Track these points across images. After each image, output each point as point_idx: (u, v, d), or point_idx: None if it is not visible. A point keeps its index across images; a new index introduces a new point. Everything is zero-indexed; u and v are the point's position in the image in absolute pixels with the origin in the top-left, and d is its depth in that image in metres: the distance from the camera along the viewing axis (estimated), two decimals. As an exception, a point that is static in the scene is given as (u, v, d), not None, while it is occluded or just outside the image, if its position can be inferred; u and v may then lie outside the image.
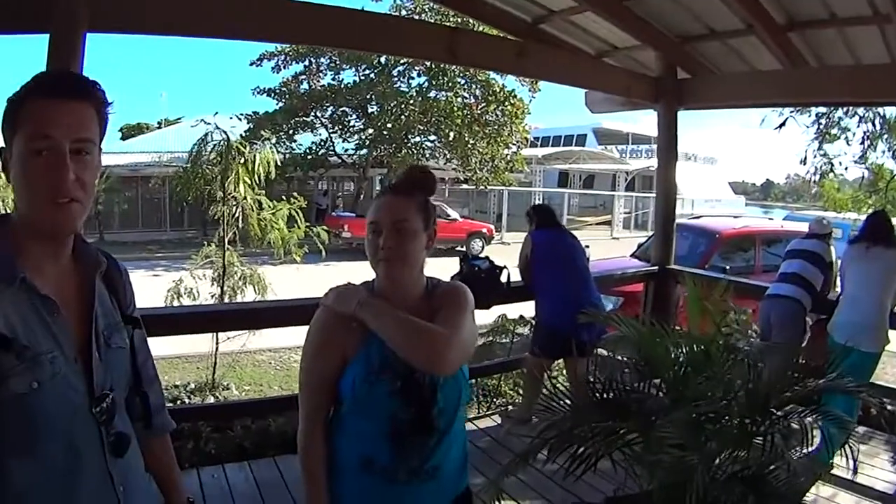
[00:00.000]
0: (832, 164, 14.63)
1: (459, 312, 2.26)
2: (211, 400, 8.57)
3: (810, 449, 3.07)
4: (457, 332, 2.17)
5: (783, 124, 13.30)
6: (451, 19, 19.66)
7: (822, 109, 13.32)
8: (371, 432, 2.19)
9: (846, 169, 15.13)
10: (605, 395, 3.17)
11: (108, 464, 1.70)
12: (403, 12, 26.20)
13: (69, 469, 1.61)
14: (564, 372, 6.27)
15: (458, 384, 2.27)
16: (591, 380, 3.26)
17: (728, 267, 10.24)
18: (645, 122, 43.41)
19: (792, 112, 13.09)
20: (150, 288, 9.01)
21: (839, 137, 14.01)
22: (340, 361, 2.21)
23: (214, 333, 8.76)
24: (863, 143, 13.85)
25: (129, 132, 48.15)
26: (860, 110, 12.90)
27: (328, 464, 2.26)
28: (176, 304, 9.19)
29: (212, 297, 9.58)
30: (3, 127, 1.64)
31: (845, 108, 12.88)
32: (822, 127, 13.89)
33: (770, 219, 22.77)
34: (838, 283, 6.27)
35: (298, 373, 2.35)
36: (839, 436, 3.05)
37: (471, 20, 12.21)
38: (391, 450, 2.18)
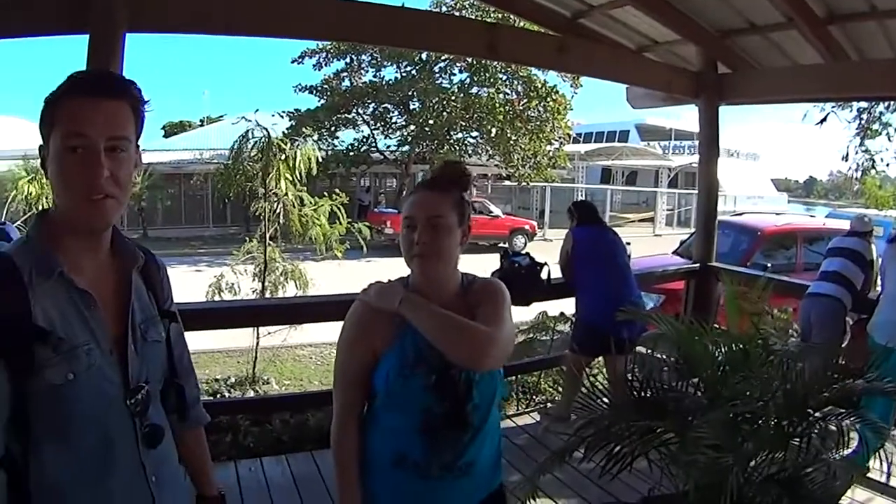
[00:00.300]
0: (874, 161, 14.41)
1: (499, 309, 2.26)
2: (251, 394, 8.65)
3: (848, 451, 3.01)
4: (499, 329, 2.16)
5: (824, 119, 13.11)
6: (492, 15, 19.62)
7: (864, 104, 13.10)
8: (404, 427, 2.20)
9: (888, 165, 14.90)
10: (642, 394, 3.15)
11: (141, 455, 1.73)
12: (444, 9, 26.18)
13: (103, 459, 1.65)
14: (605, 370, 6.23)
15: (494, 380, 2.27)
16: (630, 378, 3.24)
17: (769, 265, 10.12)
18: (688, 117, 43.07)
19: (833, 107, 12.90)
20: (192, 283, 9.14)
21: (881, 133, 13.78)
22: (374, 355, 2.21)
23: (255, 328, 8.83)
24: (905, 138, 13.61)
25: (171, 130, 48.74)
26: (903, 105, 12.63)
27: (361, 458, 2.27)
28: (217, 298, 9.27)
29: (253, 292, 9.67)
30: (40, 125, 1.66)
31: (887, 103, 12.63)
32: (863, 122, 13.66)
33: (812, 216, 22.45)
34: (879, 281, 6.15)
35: (333, 367, 2.36)
36: (875, 439, 2.99)
37: (511, 16, 12.15)
38: (424, 445, 2.18)
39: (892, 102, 12.37)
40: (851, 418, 2.89)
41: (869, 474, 4.43)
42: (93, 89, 1.64)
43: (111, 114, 1.64)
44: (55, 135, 1.61)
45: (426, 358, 2.15)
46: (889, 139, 13.77)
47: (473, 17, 22.18)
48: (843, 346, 5.76)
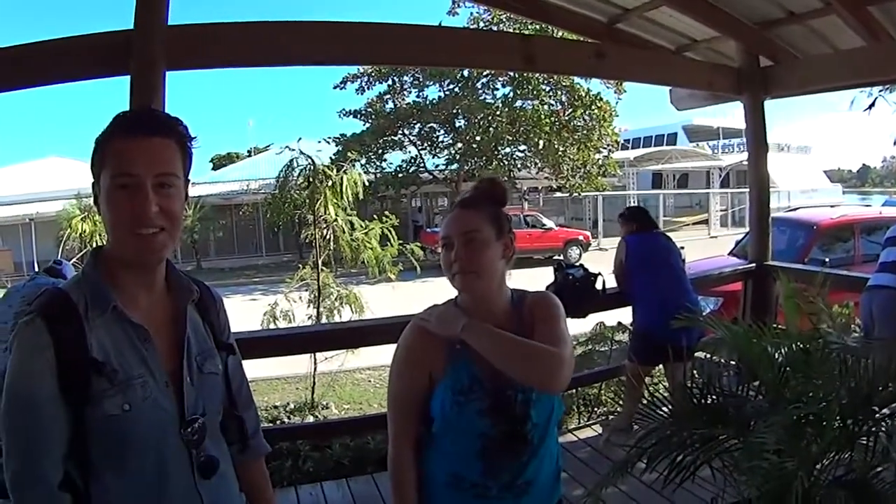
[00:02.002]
0: (927, 142, 14.07)
1: (559, 326, 2.25)
2: (311, 419, 8.69)
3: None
4: (565, 347, 2.16)
5: (872, 105, 12.82)
6: (530, 27, 19.61)
7: (913, 85, 12.80)
8: (463, 451, 2.19)
9: (942, 146, 14.58)
10: (703, 401, 3.08)
11: (196, 484, 1.78)
12: (481, 24, 26.22)
13: (159, 487, 1.71)
14: (665, 378, 6.15)
15: (551, 398, 2.25)
16: (689, 385, 3.18)
17: (827, 259, 9.94)
18: (735, 115, 42.66)
19: (881, 91, 12.62)
20: (247, 312, 9.23)
21: None
22: (427, 380, 2.21)
23: (312, 354, 8.88)
24: (957, 117, 13.30)
25: (220, 162, 49.83)
26: (953, 82, 12.29)
27: (419, 480, 2.27)
28: (272, 326, 9.35)
29: (308, 318, 9.73)
30: (92, 165, 1.73)
31: (937, 82, 12.32)
32: (913, 104, 13.36)
33: (868, 206, 22.02)
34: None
35: (387, 392, 2.36)
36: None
37: (548, 27, 12.13)
38: (482, 467, 2.17)
39: (942, 80, 12.07)
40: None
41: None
42: (138, 128, 1.71)
43: (157, 151, 1.70)
44: (105, 174, 1.68)
45: (480, 382, 2.15)
46: None
47: (511, 30, 22.19)
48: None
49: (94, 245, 12.86)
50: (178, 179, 1.74)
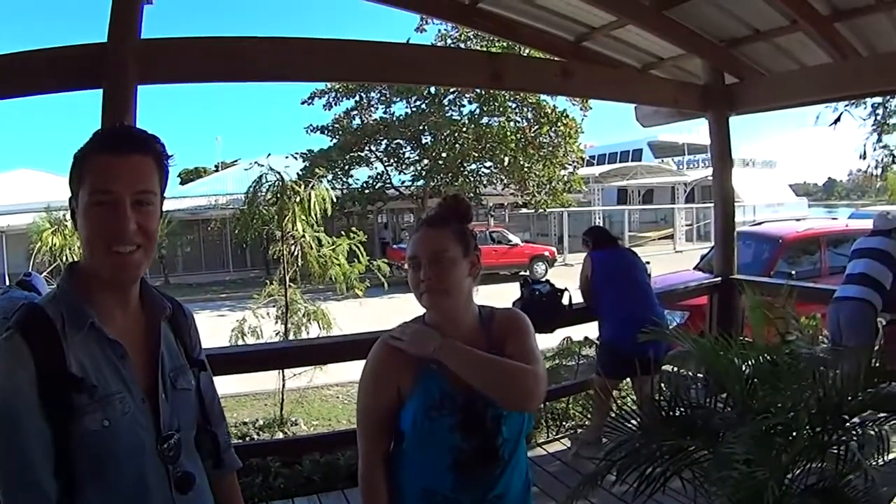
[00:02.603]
0: (894, 156, 14.33)
1: (529, 342, 2.29)
2: (280, 435, 8.65)
3: (891, 456, 2.95)
4: (539, 364, 2.20)
5: (838, 119, 13.06)
6: (497, 45, 19.72)
7: (878, 99, 13.02)
8: (434, 465, 2.19)
9: (909, 159, 14.80)
10: (671, 413, 3.11)
11: (175, 500, 1.77)
12: (449, 41, 26.31)
13: (139, 502, 1.71)
14: (633, 391, 6.19)
15: (522, 413, 2.26)
16: (657, 397, 3.21)
17: (794, 272, 10.07)
18: (700, 131, 43.04)
19: (846, 106, 12.83)
20: (216, 328, 9.17)
21: None
22: (396, 396, 2.22)
23: (280, 370, 8.85)
24: (925, 129, 13.52)
25: (187, 177, 49.37)
26: (919, 95, 12.51)
27: (391, 496, 2.26)
28: (240, 342, 9.32)
29: (276, 334, 9.71)
30: (70, 180, 1.72)
31: (903, 96, 12.54)
32: (879, 118, 13.60)
33: (834, 218, 22.29)
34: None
35: (356, 406, 2.36)
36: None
37: (516, 44, 12.22)
38: (454, 481, 2.18)
39: (908, 94, 12.27)
40: (892, 422, 2.84)
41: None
42: (118, 145, 1.71)
43: (136, 169, 1.71)
44: (83, 191, 1.68)
45: (451, 398, 2.16)
46: None
47: (478, 48, 22.28)
48: (876, 348, 5.68)
49: (64, 259, 12.80)
50: (156, 197, 1.75)
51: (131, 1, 4.10)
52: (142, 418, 1.70)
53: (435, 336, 2.21)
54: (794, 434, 2.77)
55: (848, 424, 2.79)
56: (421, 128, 29.13)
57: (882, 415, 2.88)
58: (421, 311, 2.35)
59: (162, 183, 1.79)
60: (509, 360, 2.18)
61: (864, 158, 14.33)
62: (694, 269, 12.03)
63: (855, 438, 2.73)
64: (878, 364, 3.04)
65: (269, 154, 11.13)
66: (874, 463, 2.74)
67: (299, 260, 9.96)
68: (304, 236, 9.88)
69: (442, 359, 2.15)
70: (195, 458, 1.91)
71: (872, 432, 2.80)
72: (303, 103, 29.76)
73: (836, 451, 2.70)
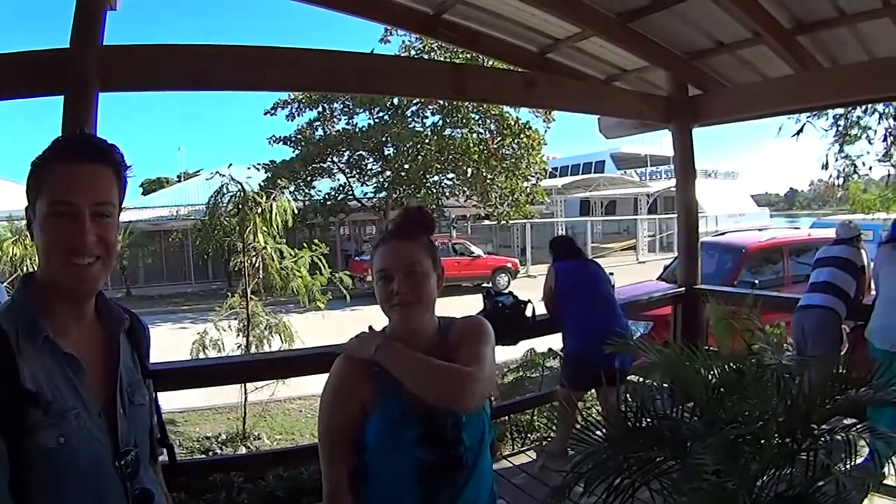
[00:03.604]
0: (855, 166, 14.52)
1: (478, 346, 2.26)
2: (243, 450, 8.59)
3: (860, 460, 2.97)
4: (479, 366, 2.17)
5: (800, 131, 13.21)
6: (461, 56, 19.76)
7: (840, 111, 13.20)
8: (399, 478, 2.17)
9: (870, 169, 15.02)
10: (637, 424, 3.10)
11: None
12: (412, 52, 26.33)
13: None
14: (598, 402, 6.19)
15: (482, 420, 2.26)
16: (623, 408, 3.20)
17: (757, 281, 10.21)
18: (663, 143, 43.46)
19: (808, 117, 12.99)
20: (177, 341, 9.08)
21: (860, 137, 13.87)
22: (359, 411, 2.19)
23: (242, 384, 8.78)
24: (885, 140, 13.69)
25: (149, 187, 49.10)
26: (879, 107, 12.71)
27: None
28: (202, 356, 9.24)
29: (238, 347, 9.64)
30: (27, 189, 1.71)
31: (864, 107, 12.71)
32: (840, 129, 13.79)
33: (796, 228, 22.59)
34: (873, 286, 6.14)
35: (318, 424, 2.32)
36: (886, 448, 2.95)
37: (479, 56, 12.25)
38: (419, 493, 2.16)
39: (869, 105, 12.45)
40: (859, 428, 2.86)
41: (886, 481, 4.37)
42: (77, 155, 1.70)
43: (96, 180, 1.69)
44: (41, 200, 1.66)
45: (411, 410, 2.14)
46: (870, 142, 13.88)
47: (442, 58, 22.31)
48: (842, 355, 5.73)
49: (25, 269, 12.60)
50: (115, 208, 1.74)
51: (94, 6, 4.05)
52: (99, 434, 1.66)
53: (376, 338, 2.22)
54: (763, 442, 2.77)
55: (816, 432, 2.80)
56: (384, 139, 29.05)
57: (849, 421, 2.91)
58: (385, 322, 2.33)
59: (121, 194, 1.77)
60: (450, 363, 2.17)
61: (826, 169, 14.50)
62: (657, 279, 12.15)
63: (824, 445, 2.75)
64: (844, 371, 3.06)
65: (231, 164, 11.08)
66: (843, 468, 2.76)
67: (261, 272, 9.92)
68: (265, 248, 9.85)
69: (381, 360, 2.15)
70: (151, 475, 1.89)
71: (840, 438, 2.82)
72: (266, 114, 29.62)
73: (805, 458, 2.71)
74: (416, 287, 2.19)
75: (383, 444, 2.14)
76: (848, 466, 2.80)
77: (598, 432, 3.16)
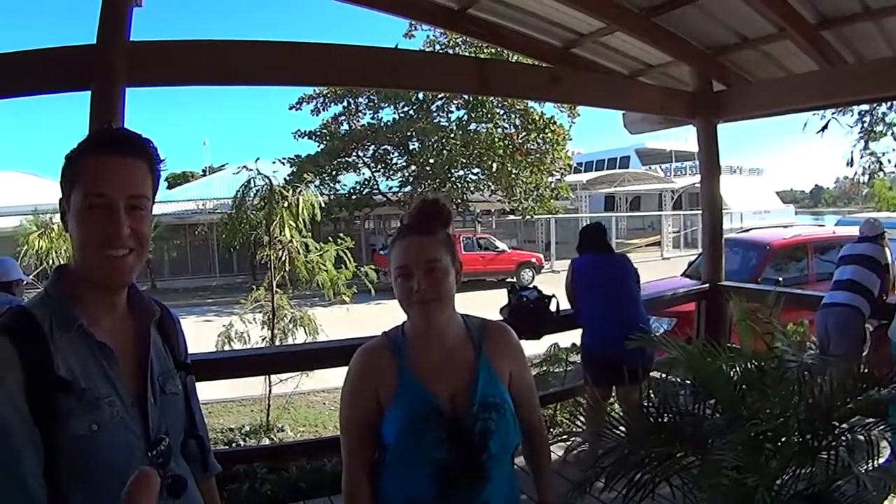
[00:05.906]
0: (881, 163, 14.35)
1: (529, 374, 2.49)
2: (266, 442, 8.62)
3: (881, 461, 2.96)
4: (537, 402, 2.52)
5: (825, 127, 13.06)
6: (485, 51, 19.71)
7: (865, 107, 13.06)
8: (418, 476, 2.16)
9: (896, 166, 14.83)
10: (659, 420, 3.11)
11: None
12: (437, 47, 26.28)
13: None
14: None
15: (509, 429, 2.22)
16: (645, 404, 3.20)
17: (781, 279, 10.09)
18: (688, 138, 43.14)
19: (833, 113, 12.84)
20: (202, 333, 9.13)
21: (885, 134, 13.71)
22: (377, 405, 2.19)
23: (267, 376, 8.82)
24: (911, 136, 13.55)
25: (174, 181, 49.21)
26: (905, 102, 12.55)
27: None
28: (227, 348, 9.28)
29: (263, 340, 9.67)
30: (61, 181, 1.71)
31: (889, 103, 12.57)
32: (866, 125, 13.63)
33: (821, 225, 22.39)
34: (898, 283, 6.10)
35: (339, 416, 2.34)
36: (906, 448, 2.94)
37: (504, 51, 12.24)
38: (437, 491, 2.14)
39: (894, 102, 12.31)
40: (880, 428, 2.85)
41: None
42: (112, 148, 1.70)
43: (130, 173, 1.70)
44: (76, 192, 1.66)
45: (437, 410, 2.13)
46: (895, 139, 13.71)
47: (467, 53, 22.28)
48: (865, 354, 5.69)
49: (51, 262, 12.70)
50: (148, 202, 1.74)
51: (120, 3, 4.09)
52: (131, 423, 1.67)
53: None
54: (784, 440, 2.77)
55: (837, 430, 2.79)
56: (408, 134, 29.06)
57: (871, 420, 2.89)
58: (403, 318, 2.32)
59: (154, 187, 1.78)
60: (543, 451, 2.52)
61: (851, 166, 14.32)
62: (681, 275, 12.05)
63: (844, 444, 2.73)
64: (866, 370, 3.05)
65: (258, 158, 11.08)
66: (864, 468, 2.75)
67: (287, 265, 9.94)
68: (291, 241, 9.86)
69: None
70: (183, 463, 1.89)
71: (861, 437, 2.80)
72: (291, 108, 29.67)
73: (825, 457, 2.69)
74: (436, 284, 2.16)
75: (404, 439, 2.13)
76: (869, 466, 2.80)
77: (620, 428, 3.17)
